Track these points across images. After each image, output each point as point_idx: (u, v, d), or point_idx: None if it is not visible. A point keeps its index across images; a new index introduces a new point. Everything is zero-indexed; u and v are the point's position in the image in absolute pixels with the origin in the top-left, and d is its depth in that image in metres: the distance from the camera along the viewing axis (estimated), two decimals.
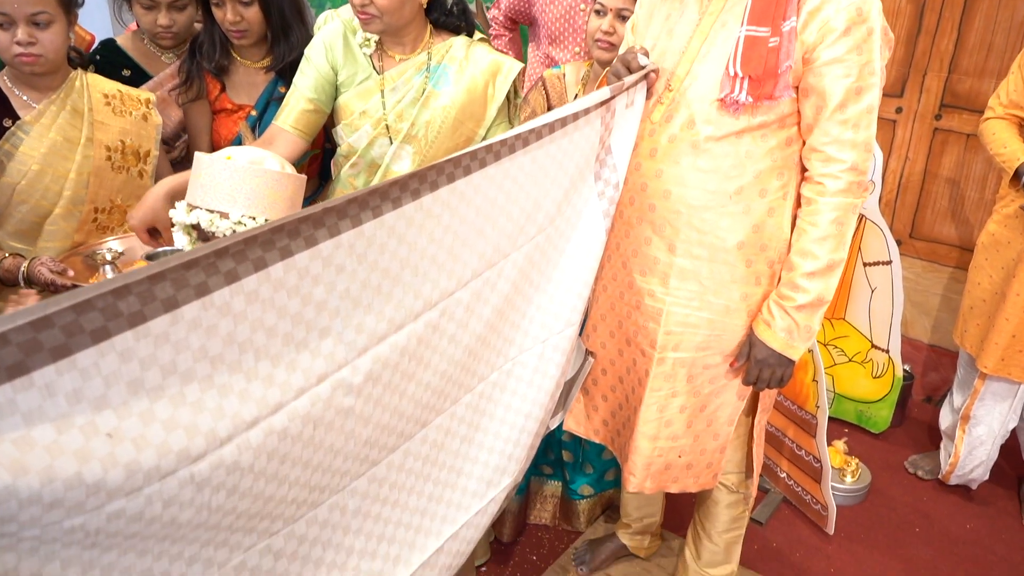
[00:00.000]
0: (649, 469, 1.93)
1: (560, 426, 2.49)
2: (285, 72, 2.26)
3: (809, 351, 2.63)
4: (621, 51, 1.77)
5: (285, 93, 2.10)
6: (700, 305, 1.76)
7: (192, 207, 1.47)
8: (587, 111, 1.56)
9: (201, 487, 1.02)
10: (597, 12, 2.09)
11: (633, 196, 1.77)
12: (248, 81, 2.32)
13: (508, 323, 1.56)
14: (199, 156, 1.49)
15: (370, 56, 2.06)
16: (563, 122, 1.51)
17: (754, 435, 1.99)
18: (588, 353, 2.01)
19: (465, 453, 1.54)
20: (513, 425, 1.61)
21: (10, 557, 0.88)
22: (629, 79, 1.64)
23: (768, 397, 1.96)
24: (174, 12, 2.30)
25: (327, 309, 1.15)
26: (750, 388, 1.87)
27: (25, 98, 1.90)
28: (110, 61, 2.31)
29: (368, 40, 2.04)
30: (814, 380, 2.64)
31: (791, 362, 1.75)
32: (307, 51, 2.05)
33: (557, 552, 2.63)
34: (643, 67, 1.68)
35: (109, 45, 2.39)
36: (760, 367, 1.76)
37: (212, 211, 1.45)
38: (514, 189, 1.45)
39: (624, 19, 2.04)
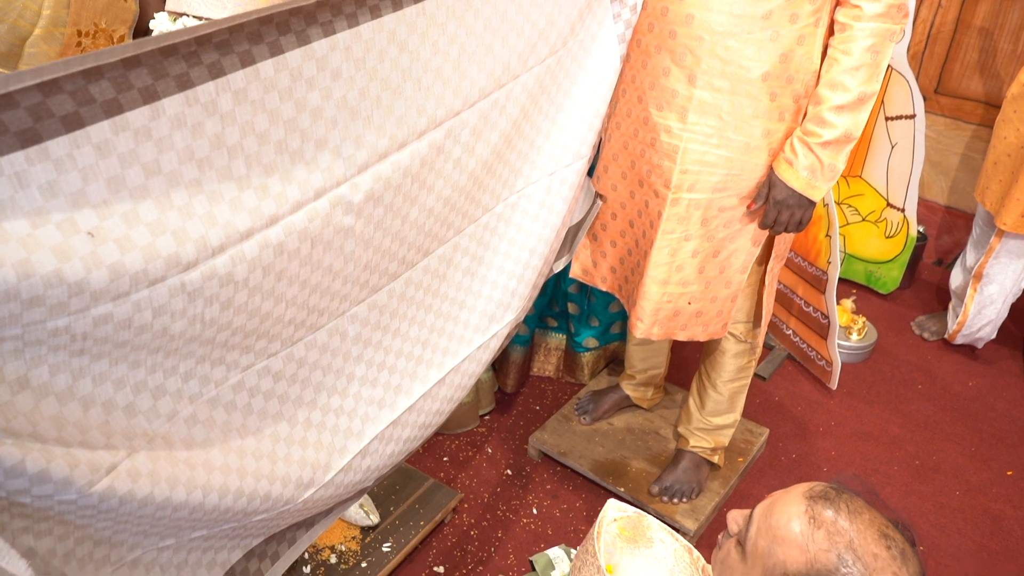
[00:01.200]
0: (657, 315, 1.90)
1: (566, 277, 2.45)
2: None
3: (824, 205, 2.55)
4: None
5: None
6: (719, 142, 1.67)
7: (176, 15, 1.36)
8: None
9: (193, 298, 0.97)
10: None
11: (652, 22, 1.64)
12: None
13: (515, 152, 1.48)
14: None
15: None
16: None
17: (766, 283, 1.94)
18: (597, 196, 1.93)
19: (468, 286, 1.50)
20: (517, 260, 1.55)
21: None
22: None
23: (783, 244, 1.90)
24: None
25: (323, 118, 1.07)
26: (766, 233, 1.81)
27: None
28: None
29: None
30: (827, 235, 2.57)
31: (811, 203, 1.68)
32: None
33: (560, 403, 2.65)
34: None
35: None
36: (779, 209, 1.69)
37: (200, 18, 1.34)
38: (526, 1, 1.33)
39: None
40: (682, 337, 1.94)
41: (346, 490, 1.34)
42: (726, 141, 1.66)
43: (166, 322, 0.95)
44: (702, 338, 1.96)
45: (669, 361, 2.49)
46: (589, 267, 2.08)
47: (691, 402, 2.29)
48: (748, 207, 1.74)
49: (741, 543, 0.97)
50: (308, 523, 1.41)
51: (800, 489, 0.95)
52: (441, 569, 2.11)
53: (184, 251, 0.93)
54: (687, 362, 2.85)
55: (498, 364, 2.62)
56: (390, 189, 1.20)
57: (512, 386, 2.64)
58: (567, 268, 2.36)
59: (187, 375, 1.06)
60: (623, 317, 2.59)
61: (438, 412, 1.50)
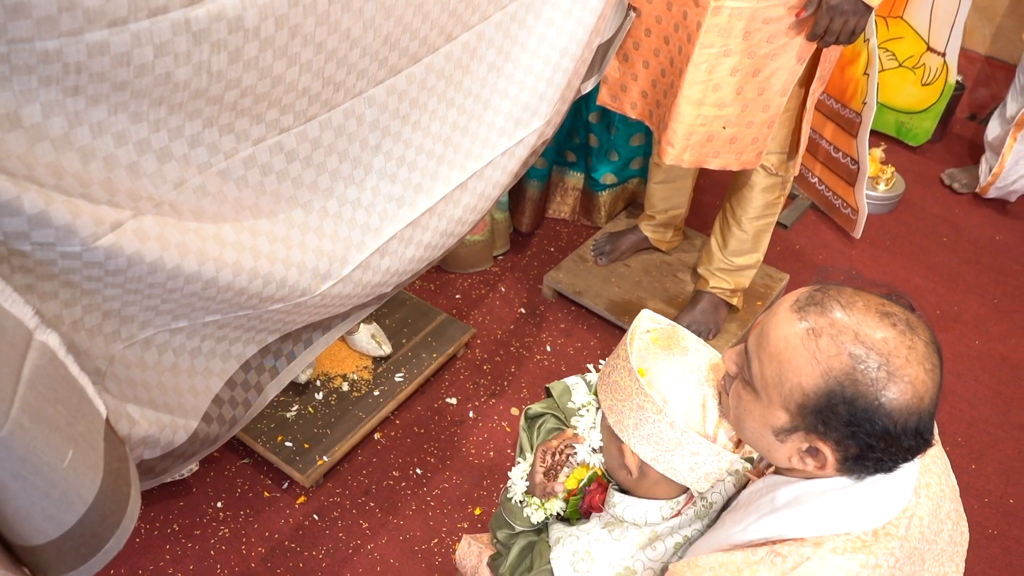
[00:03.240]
0: (689, 139, 1.79)
1: (588, 104, 2.32)
2: None
3: (864, 40, 2.39)
4: None
5: None
6: None
7: None
8: None
9: (199, 40, 0.87)
10: None
11: None
12: None
13: None
14: None
15: None
16: None
17: (807, 107, 1.82)
18: (630, 8, 1.78)
19: (493, 83, 1.39)
20: (547, 60, 1.43)
21: None
22: None
23: (828, 63, 1.76)
24: None
25: None
26: (811, 49, 1.67)
27: None
28: None
29: None
30: (865, 74, 2.43)
31: (868, 9, 1.54)
32: None
33: (575, 245, 2.58)
34: None
35: None
36: (832, 15, 1.55)
37: None
38: None
39: None
40: (714, 165, 1.84)
41: (364, 290, 1.28)
42: None
43: (169, 65, 0.86)
44: (735, 167, 1.86)
45: (691, 203, 2.40)
46: (618, 92, 1.96)
47: (713, 241, 2.21)
48: (796, 15, 1.60)
49: (747, 382, 0.90)
50: (325, 326, 1.36)
51: (785, 305, 0.87)
52: (454, 400, 2.10)
53: None
54: (708, 208, 2.76)
55: (513, 203, 2.53)
56: None
57: (527, 226, 2.56)
58: (589, 96, 2.23)
59: (194, 140, 0.97)
60: (644, 152, 2.48)
61: (460, 220, 1.43)
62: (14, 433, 0.76)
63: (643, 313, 1.10)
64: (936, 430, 1.05)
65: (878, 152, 2.84)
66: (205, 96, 0.92)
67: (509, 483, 1.14)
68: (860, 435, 0.82)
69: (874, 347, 0.80)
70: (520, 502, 1.13)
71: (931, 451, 1.00)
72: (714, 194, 2.83)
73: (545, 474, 1.10)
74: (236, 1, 0.88)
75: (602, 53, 1.78)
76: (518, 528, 1.14)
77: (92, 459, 0.88)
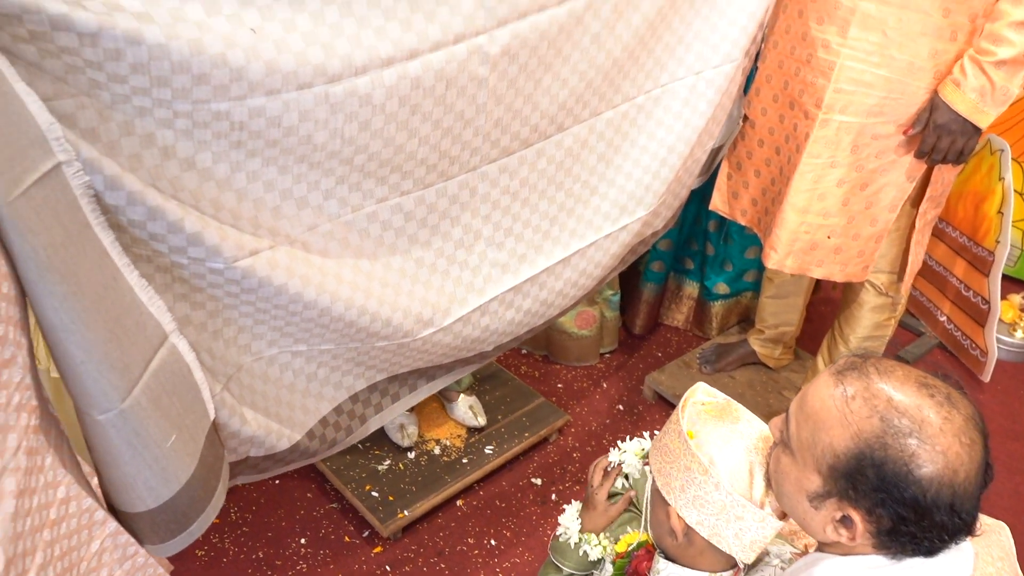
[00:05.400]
0: (793, 245, 1.83)
1: (706, 215, 2.41)
2: None
3: (1000, 179, 2.36)
4: None
5: None
6: (880, 61, 1.59)
7: None
8: None
9: (335, 110, 1.05)
10: None
11: None
12: None
13: (660, 43, 1.48)
14: None
15: None
16: None
17: (916, 227, 1.83)
18: (744, 118, 1.88)
19: (601, 173, 1.51)
20: (654, 155, 1.55)
21: (168, 134, 0.95)
22: None
23: (940, 184, 1.77)
24: None
25: None
26: (922, 168, 1.70)
27: None
28: None
29: None
30: (999, 212, 2.38)
31: (976, 131, 1.57)
32: None
33: (684, 353, 2.61)
34: None
35: None
36: (939, 133, 1.59)
37: None
38: None
39: None
40: (818, 274, 1.87)
41: (464, 343, 1.40)
42: (888, 60, 1.58)
43: (310, 129, 1.04)
44: (839, 278, 1.87)
45: (802, 321, 2.39)
46: (730, 198, 2.04)
47: (820, 359, 2.19)
48: (904, 133, 1.64)
49: (787, 445, 0.93)
50: (429, 375, 1.48)
51: (826, 371, 0.90)
52: (539, 481, 2.15)
53: (330, 64, 1.01)
54: (822, 331, 2.72)
55: (627, 303, 2.61)
56: (526, 48, 1.23)
57: (640, 328, 2.63)
58: (707, 208, 2.33)
59: (328, 193, 1.14)
60: (758, 266, 2.51)
61: (560, 293, 1.53)
62: (133, 408, 0.92)
63: (698, 385, 1.14)
64: (1013, 547, 1.01)
65: (1018, 298, 2.72)
66: (339, 157, 1.10)
67: (560, 529, 1.20)
68: (889, 503, 0.83)
69: (906, 413, 0.82)
70: (578, 542, 1.18)
71: (999, 561, 0.96)
72: (831, 314, 2.79)
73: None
74: (367, 81, 1.06)
75: (713, 155, 1.89)
76: (566, 570, 1.19)
77: (191, 448, 1.03)
